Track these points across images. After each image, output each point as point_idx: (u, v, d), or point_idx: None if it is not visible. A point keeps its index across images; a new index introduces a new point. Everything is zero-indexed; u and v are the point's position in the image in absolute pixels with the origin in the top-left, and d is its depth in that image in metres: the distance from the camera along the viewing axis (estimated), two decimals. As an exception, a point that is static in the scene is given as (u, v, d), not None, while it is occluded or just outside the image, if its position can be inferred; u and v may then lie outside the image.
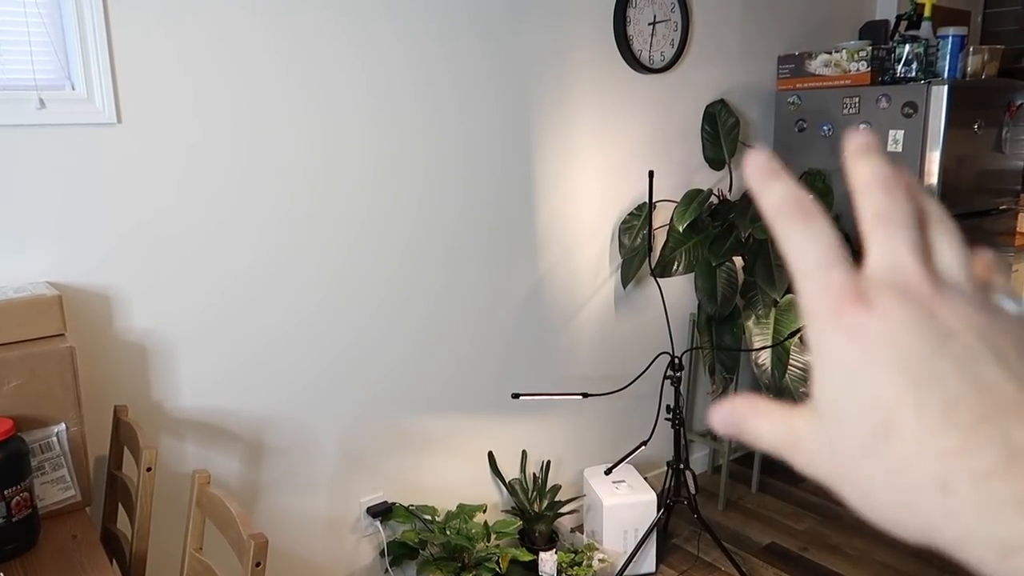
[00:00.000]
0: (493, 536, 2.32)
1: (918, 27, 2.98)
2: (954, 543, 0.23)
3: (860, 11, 3.47)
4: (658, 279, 2.76)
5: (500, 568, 2.21)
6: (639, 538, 2.49)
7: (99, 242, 1.73)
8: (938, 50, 2.80)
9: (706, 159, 2.93)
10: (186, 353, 1.89)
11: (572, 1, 2.45)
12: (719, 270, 2.69)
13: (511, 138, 2.40)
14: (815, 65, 2.94)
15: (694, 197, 2.63)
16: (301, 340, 2.08)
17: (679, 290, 3.01)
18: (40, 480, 1.46)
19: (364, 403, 2.23)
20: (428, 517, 2.30)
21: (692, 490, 2.54)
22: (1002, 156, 2.92)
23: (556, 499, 2.56)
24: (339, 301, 2.14)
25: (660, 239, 2.83)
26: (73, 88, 1.67)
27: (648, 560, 2.53)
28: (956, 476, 0.23)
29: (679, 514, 2.88)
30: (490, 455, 2.55)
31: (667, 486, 2.57)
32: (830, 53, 2.89)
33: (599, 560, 2.39)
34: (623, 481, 2.59)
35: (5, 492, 1.31)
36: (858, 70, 2.82)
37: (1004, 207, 3.00)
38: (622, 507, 2.48)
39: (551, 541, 2.50)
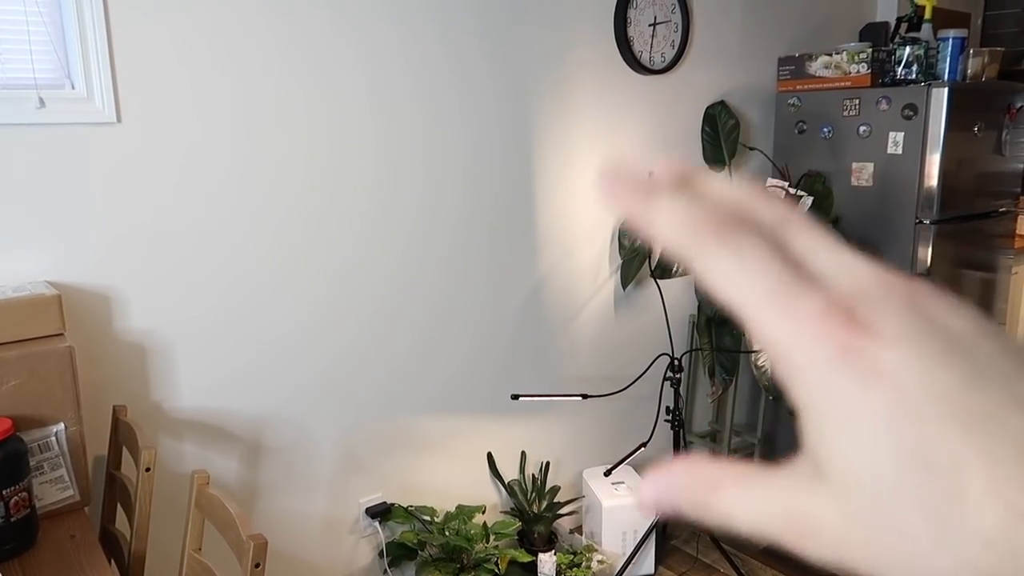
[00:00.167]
0: (492, 537, 2.32)
1: (918, 29, 2.98)
2: None
3: (860, 13, 3.47)
4: (658, 281, 2.76)
5: (499, 569, 2.21)
6: (638, 539, 2.49)
7: (98, 241, 1.73)
8: (938, 52, 2.80)
9: (706, 160, 2.93)
10: (185, 353, 1.89)
11: (573, 2, 2.45)
12: (719, 271, 2.68)
13: (511, 138, 2.40)
14: (815, 67, 2.94)
15: (694, 198, 2.62)
16: (300, 340, 2.08)
17: (679, 291, 3.01)
18: (39, 480, 1.46)
19: (363, 403, 2.23)
20: (427, 518, 2.30)
21: (691, 492, 2.53)
22: (1002, 159, 2.92)
23: (555, 500, 2.56)
24: (339, 301, 2.13)
25: (660, 240, 2.83)
26: (73, 87, 1.66)
27: (647, 561, 2.53)
28: None
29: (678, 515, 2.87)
30: (489, 456, 2.54)
31: (666, 487, 2.57)
32: (830, 55, 2.89)
33: (598, 561, 2.39)
34: (622, 482, 2.59)
35: (4, 492, 1.31)
36: (858, 72, 2.82)
37: (1004, 209, 3.00)
38: (621, 508, 2.48)
39: (550, 542, 2.49)
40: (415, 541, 2.22)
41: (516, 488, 2.54)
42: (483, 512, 2.38)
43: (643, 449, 2.57)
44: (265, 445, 2.06)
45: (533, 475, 2.64)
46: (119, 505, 1.72)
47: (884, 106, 2.75)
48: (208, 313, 1.91)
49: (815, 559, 0.21)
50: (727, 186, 0.24)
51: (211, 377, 1.94)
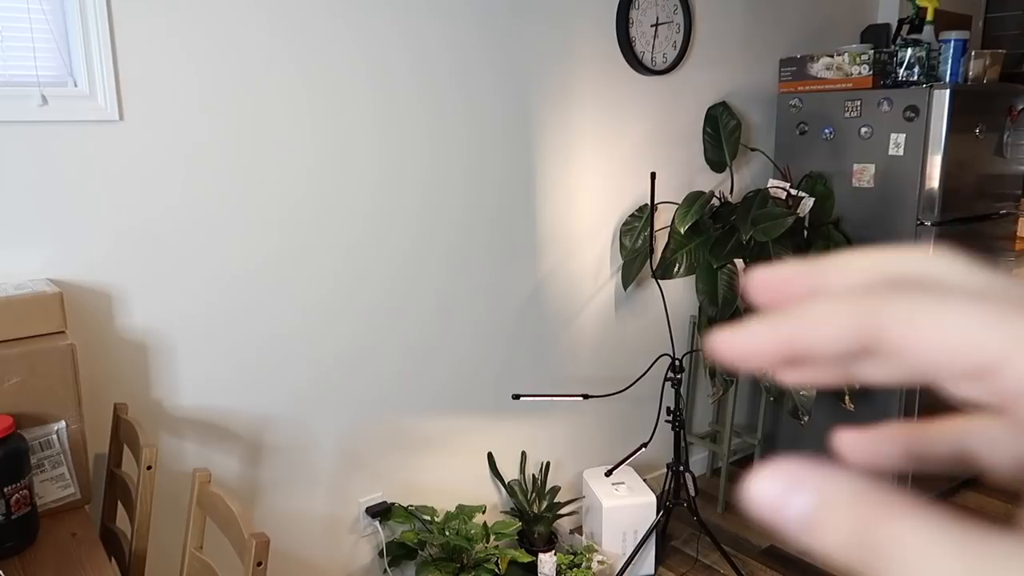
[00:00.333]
0: (492, 537, 2.32)
1: (920, 31, 2.98)
2: None
3: (862, 14, 3.47)
4: (659, 281, 2.76)
5: (499, 569, 2.21)
6: (638, 540, 2.49)
7: (100, 239, 1.73)
8: (940, 54, 2.80)
9: (707, 161, 2.93)
10: (186, 351, 1.89)
11: (575, 2, 2.45)
12: (720, 272, 2.69)
13: (512, 138, 2.40)
14: (817, 68, 2.94)
15: (696, 199, 2.63)
16: (301, 339, 2.08)
17: (680, 292, 3.01)
18: (40, 478, 1.46)
19: (364, 403, 2.23)
20: (427, 518, 2.30)
21: (692, 492, 2.53)
22: (1003, 161, 2.92)
23: (555, 500, 2.56)
24: (341, 300, 2.13)
25: (661, 241, 2.84)
26: (76, 85, 1.66)
27: (647, 562, 2.53)
28: None
29: (678, 516, 2.88)
30: (489, 456, 2.54)
31: (667, 488, 2.57)
32: (832, 56, 2.89)
33: (598, 562, 2.39)
34: (623, 483, 2.59)
35: (5, 489, 1.31)
36: (860, 73, 2.82)
37: (1004, 212, 3.00)
38: (621, 509, 2.48)
39: (550, 542, 2.49)
40: (415, 541, 2.22)
41: (516, 488, 2.55)
42: (483, 512, 2.38)
43: (644, 450, 2.57)
44: (265, 444, 2.06)
45: (533, 475, 2.64)
46: (120, 503, 1.72)
47: (885, 108, 2.75)
48: (209, 311, 1.91)
49: None
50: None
51: (212, 375, 1.94)
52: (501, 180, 2.40)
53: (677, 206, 2.67)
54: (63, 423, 1.48)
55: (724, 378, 2.79)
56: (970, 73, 2.80)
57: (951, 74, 2.77)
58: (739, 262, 2.71)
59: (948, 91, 2.61)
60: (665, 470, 2.63)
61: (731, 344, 0.20)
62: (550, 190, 2.52)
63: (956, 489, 3.09)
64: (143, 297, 1.81)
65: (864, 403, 2.96)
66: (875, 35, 3.31)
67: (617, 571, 2.47)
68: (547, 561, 2.33)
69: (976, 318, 0.17)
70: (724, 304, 2.66)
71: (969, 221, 2.84)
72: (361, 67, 2.05)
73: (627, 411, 2.91)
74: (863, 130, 2.82)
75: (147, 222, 1.79)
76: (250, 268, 1.96)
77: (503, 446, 2.58)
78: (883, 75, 2.84)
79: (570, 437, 2.75)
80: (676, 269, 2.68)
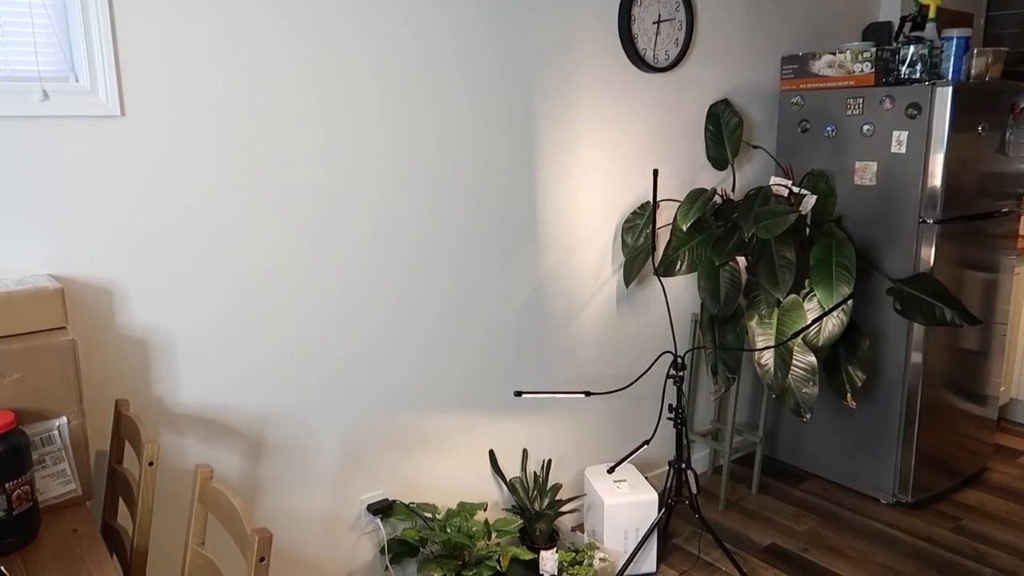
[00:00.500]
0: (494, 534, 2.32)
1: (922, 29, 2.98)
2: None
3: (864, 12, 3.46)
4: (661, 278, 2.75)
5: (500, 566, 2.20)
6: (640, 537, 2.48)
7: (102, 235, 1.73)
8: (942, 52, 2.79)
9: (709, 159, 2.93)
10: (187, 348, 1.88)
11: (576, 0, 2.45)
12: (722, 270, 2.69)
13: (514, 136, 2.40)
14: (819, 66, 2.93)
15: (697, 196, 2.62)
16: (302, 338, 2.07)
17: (682, 290, 3.01)
18: (41, 474, 1.45)
19: (365, 400, 2.23)
20: (428, 515, 2.29)
21: (693, 490, 2.53)
22: (1005, 159, 2.92)
23: (557, 498, 2.56)
24: (342, 300, 2.13)
25: (663, 238, 2.83)
26: (77, 80, 1.66)
27: (649, 560, 2.53)
28: None
29: (680, 514, 2.87)
30: (491, 453, 2.54)
31: (668, 486, 2.57)
32: (834, 54, 2.89)
33: (600, 559, 2.38)
34: (624, 480, 2.58)
35: (6, 485, 1.30)
36: (862, 71, 2.82)
37: (1007, 210, 2.99)
38: (623, 506, 2.48)
39: (552, 540, 2.49)
40: (416, 538, 2.22)
41: (518, 485, 2.54)
42: (485, 509, 2.37)
43: (645, 447, 2.57)
44: (267, 441, 2.06)
45: (535, 472, 2.63)
46: (121, 499, 1.71)
47: (888, 105, 2.75)
48: (211, 308, 1.90)
49: None
50: None
51: (213, 372, 1.93)
52: (503, 179, 2.40)
53: (679, 203, 2.66)
54: (64, 419, 1.47)
55: (726, 376, 2.78)
56: (972, 71, 2.79)
57: (953, 72, 2.77)
58: (741, 260, 2.71)
59: (950, 89, 2.61)
60: (667, 467, 2.63)
61: None
62: (552, 187, 2.52)
63: (956, 488, 3.09)
64: (144, 293, 1.80)
65: (866, 401, 2.96)
66: (877, 33, 3.31)
67: (619, 569, 2.47)
68: (549, 558, 2.33)
69: None
70: (726, 301, 2.66)
71: (971, 219, 2.84)
72: (368, 61, 2.05)
73: (629, 408, 2.91)
74: (865, 128, 2.82)
75: (148, 218, 1.78)
76: (252, 265, 1.95)
77: (505, 443, 2.57)
78: (885, 73, 2.83)
79: (572, 434, 2.75)
80: (678, 266, 2.67)
